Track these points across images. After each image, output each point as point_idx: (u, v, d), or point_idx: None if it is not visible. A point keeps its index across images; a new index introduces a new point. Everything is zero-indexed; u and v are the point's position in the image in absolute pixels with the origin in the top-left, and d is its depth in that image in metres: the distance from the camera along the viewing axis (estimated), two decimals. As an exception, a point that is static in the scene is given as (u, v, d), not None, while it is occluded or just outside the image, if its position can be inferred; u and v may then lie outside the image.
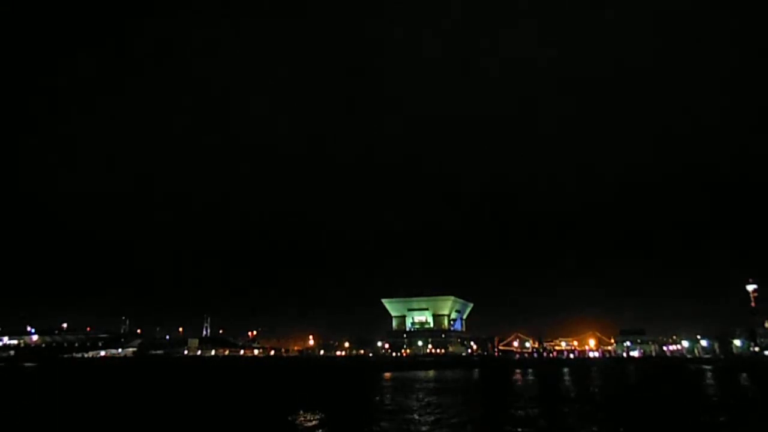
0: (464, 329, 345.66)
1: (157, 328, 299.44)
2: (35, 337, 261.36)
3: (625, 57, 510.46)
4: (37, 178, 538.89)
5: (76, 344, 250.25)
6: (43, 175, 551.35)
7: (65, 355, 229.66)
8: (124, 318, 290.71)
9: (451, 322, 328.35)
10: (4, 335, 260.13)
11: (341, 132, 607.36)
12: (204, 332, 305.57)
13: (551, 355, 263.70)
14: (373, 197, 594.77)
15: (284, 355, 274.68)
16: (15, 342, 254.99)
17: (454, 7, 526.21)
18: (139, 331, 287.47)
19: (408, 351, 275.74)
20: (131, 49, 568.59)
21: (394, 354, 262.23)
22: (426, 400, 62.37)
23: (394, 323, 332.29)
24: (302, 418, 45.98)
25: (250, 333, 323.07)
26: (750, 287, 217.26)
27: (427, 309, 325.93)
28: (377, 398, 66.23)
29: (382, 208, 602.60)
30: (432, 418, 46.04)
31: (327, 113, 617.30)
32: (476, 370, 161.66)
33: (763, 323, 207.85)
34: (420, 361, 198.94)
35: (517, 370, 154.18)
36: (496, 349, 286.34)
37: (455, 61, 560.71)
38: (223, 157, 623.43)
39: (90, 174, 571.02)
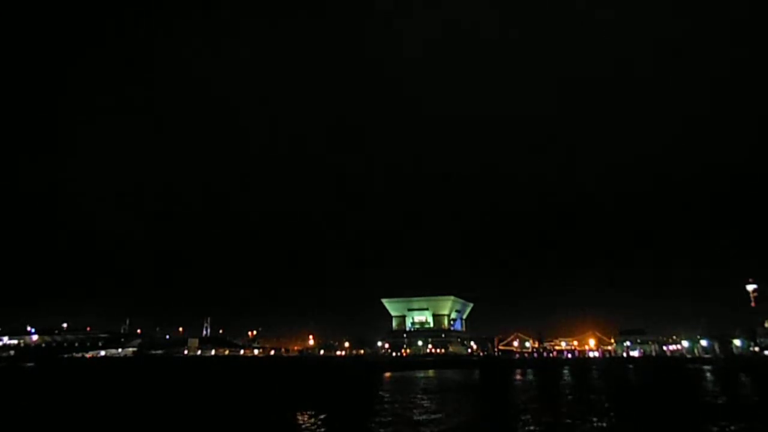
0: (464, 329, 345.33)
1: (157, 328, 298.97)
2: (35, 337, 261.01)
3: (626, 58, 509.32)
4: (37, 178, 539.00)
5: (76, 344, 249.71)
6: (43, 175, 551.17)
7: (65, 355, 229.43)
8: (124, 318, 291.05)
9: (451, 322, 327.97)
10: (4, 335, 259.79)
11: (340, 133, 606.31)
12: (204, 332, 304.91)
13: (551, 355, 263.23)
14: (374, 198, 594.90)
15: (284, 354, 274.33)
16: (15, 342, 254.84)
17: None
18: (139, 331, 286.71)
19: (408, 351, 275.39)
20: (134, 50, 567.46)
21: (393, 354, 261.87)
22: (425, 400, 62.29)
23: (394, 323, 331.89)
24: (302, 418, 45.92)
25: (250, 333, 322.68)
26: (750, 287, 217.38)
27: (427, 309, 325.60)
28: (377, 398, 66.15)
29: (383, 209, 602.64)
30: (431, 418, 45.97)
31: (325, 115, 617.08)
32: (476, 370, 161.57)
33: (763, 323, 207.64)
34: (420, 361, 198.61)
35: (518, 370, 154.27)
36: (496, 349, 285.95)
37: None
38: (222, 156, 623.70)
39: (89, 174, 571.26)
